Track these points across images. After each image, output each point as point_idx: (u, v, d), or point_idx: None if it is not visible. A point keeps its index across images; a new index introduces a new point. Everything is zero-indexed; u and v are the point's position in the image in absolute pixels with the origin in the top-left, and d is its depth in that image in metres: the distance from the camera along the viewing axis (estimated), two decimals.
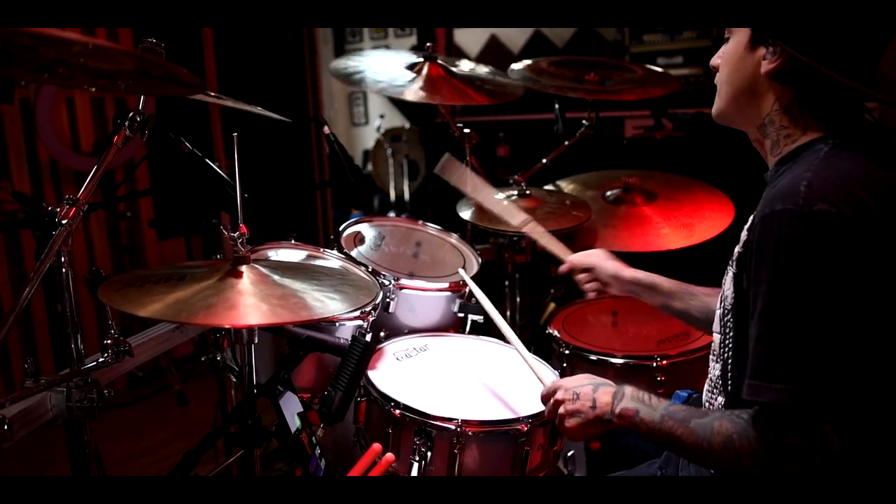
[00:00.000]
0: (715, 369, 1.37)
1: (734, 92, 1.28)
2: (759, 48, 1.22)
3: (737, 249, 1.29)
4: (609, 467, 1.75)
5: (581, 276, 1.83)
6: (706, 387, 1.42)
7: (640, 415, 1.26)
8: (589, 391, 1.35)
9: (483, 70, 2.60)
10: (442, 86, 2.33)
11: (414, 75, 2.33)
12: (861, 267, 1.06)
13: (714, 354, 1.37)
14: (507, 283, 2.74)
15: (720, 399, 1.34)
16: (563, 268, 1.83)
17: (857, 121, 1.23)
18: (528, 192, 2.44)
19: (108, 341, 1.45)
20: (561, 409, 1.38)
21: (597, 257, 1.81)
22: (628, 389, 1.32)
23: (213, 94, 1.74)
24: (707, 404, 1.39)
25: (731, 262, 1.31)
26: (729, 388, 1.30)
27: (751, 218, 1.21)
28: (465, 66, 2.57)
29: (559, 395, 1.40)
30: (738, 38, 1.26)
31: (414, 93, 2.25)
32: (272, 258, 1.91)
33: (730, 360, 1.29)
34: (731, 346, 1.29)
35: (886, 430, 1.17)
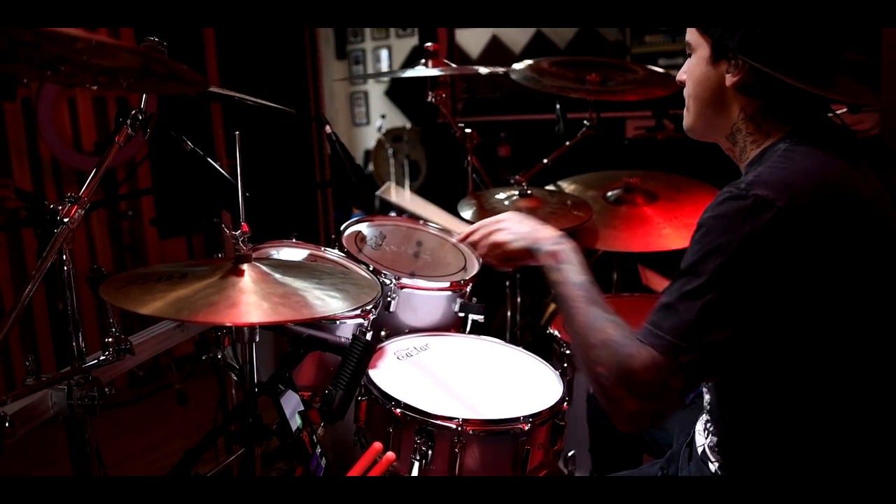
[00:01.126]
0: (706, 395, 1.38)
1: (702, 105, 1.31)
2: (722, 62, 1.24)
3: None
4: (612, 467, 1.75)
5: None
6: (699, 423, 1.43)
7: (562, 268, 1.31)
8: (538, 224, 1.44)
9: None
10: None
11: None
12: (778, 254, 1.08)
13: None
14: (507, 283, 2.74)
15: (713, 432, 1.35)
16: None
17: (820, 122, 1.26)
18: (529, 192, 2.44)
19: (109, 339, 1.45)
20: (500, 226, 1.48)
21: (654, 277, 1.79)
22: (573, 244, 1.36)
23: (219, 89, 1.74)
24: (703, 430, 1.40)
25: None
26: (721, 418, 1.32)
27: None
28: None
29: (508, 214, 1.49)
30: (699, 52, 1.28)
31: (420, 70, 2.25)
32: (273, 257, 1.91)
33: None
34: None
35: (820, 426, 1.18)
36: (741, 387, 1.23)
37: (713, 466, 1.34)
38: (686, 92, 1.34)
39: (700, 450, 1.39)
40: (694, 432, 1.45)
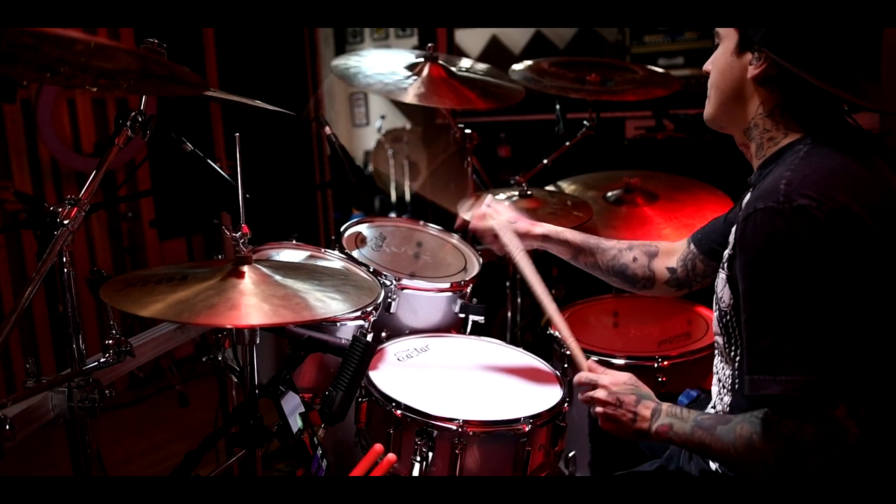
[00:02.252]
0: (724, 370, 1.37)
1: (722, 96, 1.32)
2: (746, 54, 1.25)
3: (726, 252, 1.31)
4: (612, 466, 1.75)
5: (485, 237, 1.80)
6: (714, 388, 1.42)
7: (673, 429, 1.29)
8: (632, 402, 1.36)
9: (482, 67, 2.59)
10: (442, 88, 2.33)
11: (414, 77, 2.33)
12: (843, 255, 1.08)
13: (721, 356, 1.38)
14: (507, 283, 2.74)
15: (727, 399, 1.35)
16: (458, 223, 1.78)
17: (837, 123, 1.26)
18: (529, 192, 2.44)
19: (110, 341, 1.45)
20: (599, 409, 1.40)
21: (501, 216, 1.77)
22: (664, 406, 1.34)
23: (219, 92, 1.74)
24: (715, 403, 1.40)
25: (721, 265, 1.32)
26: (737, 387, 1.31)
27: (736, 222, 1.23)
28: (465, 63, 2.56)
29: (600, 395, 1.40)
30: (726, 43, 1.29)
31: (414, 95, 2.25)
32: (273, 258, 1.91)
33: (737, 361, 1.30)
34: (737, 348, 1.30)
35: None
36: None
37: (714, 464, 1.34)
38: (710, 81, 1.35)
39: None
40: None
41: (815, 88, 1.17)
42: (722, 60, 1.30)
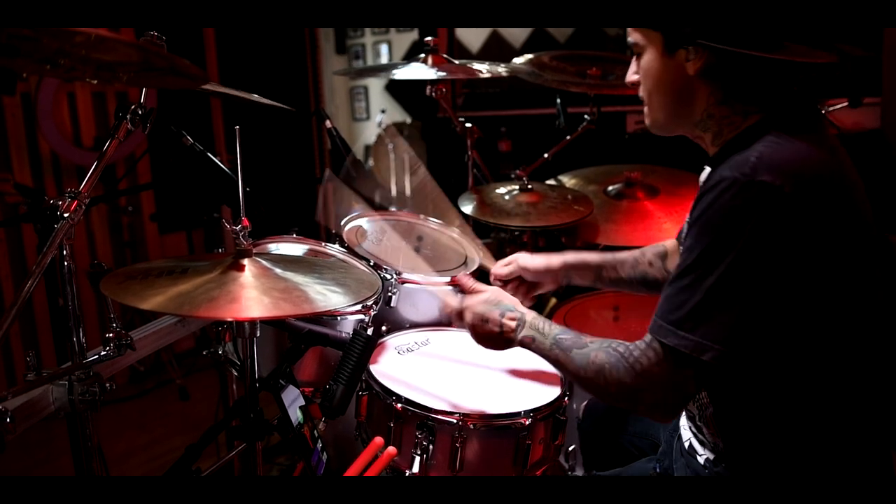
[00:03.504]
0: None
1: (666, 99, 1.30)
2: (678, 52, 1.24)
3: (686, 222, 1.32)
4: (604, 463, 1.76)
5: (511, 286, 1.84)
6: None
7: (535, 342, 1.41)
8: (496, 316, 1.48)
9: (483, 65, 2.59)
10: (447, 67, 2.32)
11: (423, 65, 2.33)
12: (794, 242, 1.09)
13: None
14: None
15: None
16: (493, 280, 1.85)
17: (791, 99, 1.25)
18: (529, 186, 2.44)
19: (110, 335, 1.45)
20: (471, 332, 1.54)
21: (518, 263, 1.82)
22: (529, 318, 1.45)
23: (219, 86, 1.74)
24: None
25: (681, 239, 1.33)
26: None
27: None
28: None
29: (468, 319, 1.53)
30: (650, 50, 1.28)
31: (431, 73, 2.24)
32: (274, 252, 1.90)
33: None
34: None
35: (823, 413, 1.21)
36: (740, 379, 1.23)
37: (701, 459, 1.36)
38: (644, 91, 1.33)
39: (687, 444, 1.41)
40: (680, 428, 1.46)
41: (758, 65, 1.18)
42: (653, 66, 1.28)
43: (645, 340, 1.20)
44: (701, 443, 1.37)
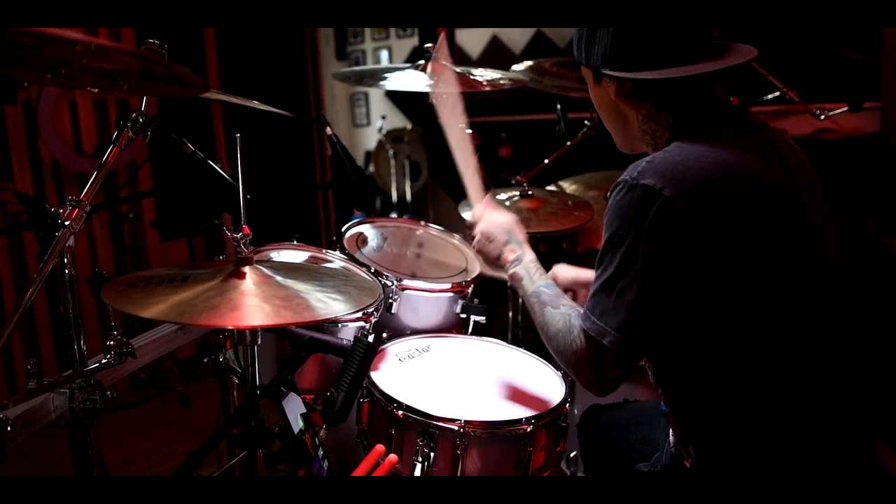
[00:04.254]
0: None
1: (613, 123, 1.44)
2: (602, 81, 1.37)
3: None
4: (604, 468, 1.75)
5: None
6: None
7: (522, 283, 1.51)
8: (501, 242, 1.60)
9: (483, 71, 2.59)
10: (447, 77, 2.32)
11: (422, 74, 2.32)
12: (677, 242, 1.17)
13: None
14: (509, 283, 2.74)
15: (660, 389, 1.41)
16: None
17: (709, 102, 1.33)
18: (530, 192, 2.44)
19: (111, 342, 1.45)
20: (475, 241, 1.66)
21: (553, 271, 1.82)
22: (527, 259, 1.55)
23: (219, 93, 1.74)
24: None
25: None
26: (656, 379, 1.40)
27: None
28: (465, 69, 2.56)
29: (479, 228, 1.64)
30: (588, 81, 1.43)
31: (423, 85, 2.24)
32: (275, 259, 1.90)
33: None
34: None
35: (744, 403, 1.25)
36: (676, 364, 1.31)
37: (686, 462, 1.37)
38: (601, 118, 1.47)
39: (674, 449, 1.44)
40: (669, 434, 1.47)
41: (660, 83, 1.29)
42: (594, 96, 1.43)
43: (578, 324, 1.31)
44: (683, 446, 1.38)
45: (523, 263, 1.54)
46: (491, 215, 1.64)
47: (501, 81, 2.39)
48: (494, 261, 1.61)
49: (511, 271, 1.55)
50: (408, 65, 2.42)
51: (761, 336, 1.21)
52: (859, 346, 1.33)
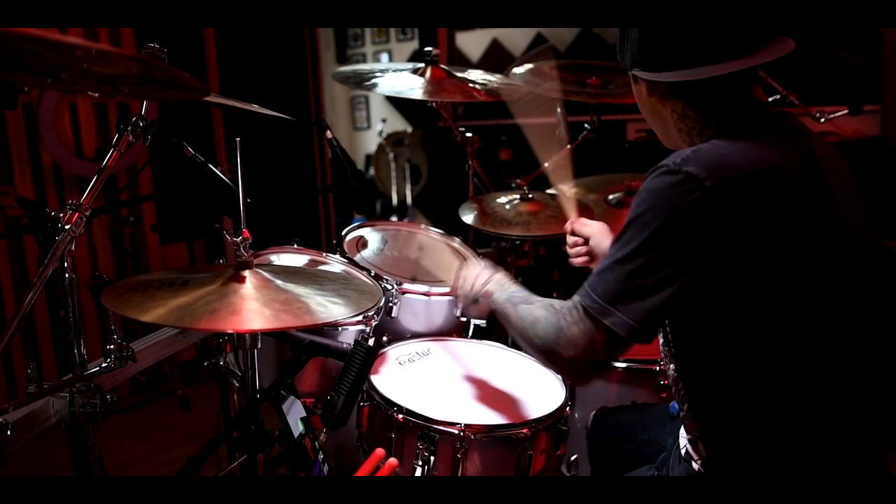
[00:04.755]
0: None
1: (651, 121, 1.42)
2: (638, 80, 1.36)
3: None
4: (610, 470, 1.75)
5: (574, 243, 1.86)
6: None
7: (494, 296, 1.49)
8: (472, 276, 1.59)
9: (484, 76, 2.59)
10: (446, 85, 2.33)
11: (420, 78, 2.33)
12: (712, 234, 1.14)
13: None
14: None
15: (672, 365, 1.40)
16: (566, 226, 1.88)
17: (744, 101, 1.31)
18: (530, 195, 2.44)
19: (111, 346, 1.45)
20: (452, 289, 1.68)
21: (596, 230, 1.83)
22: (497, 275, 1.54)
23: (220, 98, 1.74)
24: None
25: None
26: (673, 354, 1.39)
27: None
28: (466, 74, 2.56)
29: (457, 281, 1.65)
30: (631, 80, 1.41)
31: (421, 92, 2.25)
32: (275, 263, 1.90)
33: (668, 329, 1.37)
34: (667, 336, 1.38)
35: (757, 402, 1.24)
36: (700, 357, 1.29)
37: (696, 465, 1.36)
38: None
39: (683, 451, 1.42)
40: (679, 436, 1.47)
41: (690, 83, 1.26)
42: (635, 94, 1.41)
43: (573, 300, 1.26)
44: (694, 447, 1.37)
45: (493, 279, 1.53)
46: (468, 268, 1.64)
47: (500, 90, 2.39)
48: (471, 299, 1.58)
49: (483, 290, 1.53)
50: (410, 65, 2.42)
51: (785, 337, 1.20)
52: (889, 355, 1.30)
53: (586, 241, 1.82)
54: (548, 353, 1.28)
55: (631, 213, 1.20)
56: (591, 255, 1.82)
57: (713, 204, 1.13)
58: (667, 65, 1.27)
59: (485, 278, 1.55)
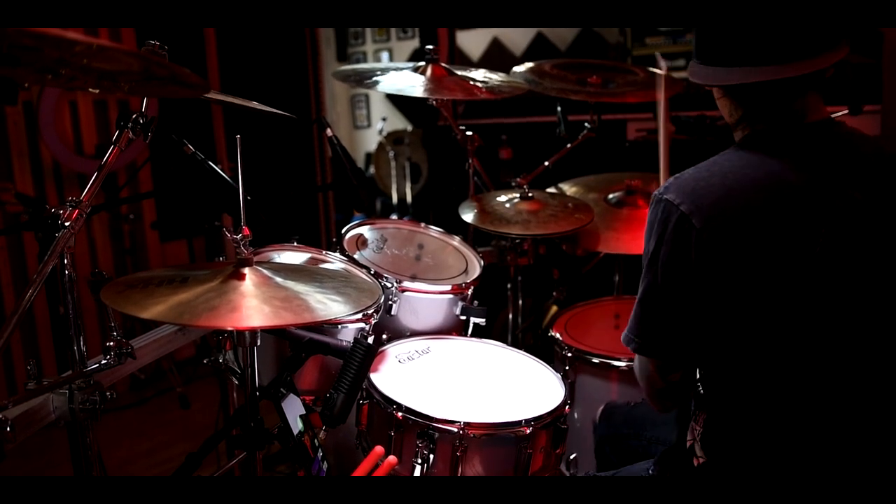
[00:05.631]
0: None
1: (719, 104, 1.41)
2: None
3: None
4: (614, 466, 1.75)
5: None
6: None
7: None
8: None
9: (485, 74, 2.59)
10: (447, 83, 2.32)
11: (420, 76, 2.33)
12: (686, 256, 1.21)
13: None
14: (509, 285, 2.74)
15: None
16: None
17: (782, 109, 1.29)
18: (530, 194, 2.44)
19: (111, 343, 1.45)
20: None
21: None
22: None
23: (220, 95, 1.74)
24: None
25: None
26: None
27: None
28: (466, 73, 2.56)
29: None
30: None
31: (422, 90, 2.24)
32: (275, 260, 1.90)
33: None
34: None
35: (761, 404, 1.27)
36: (718, 371, 1.32)
37: (697, 461, 1.36)
38: None
39: (689, 444, 1.42)
40: (686, 432, 1.47)
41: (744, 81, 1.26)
42: None
43: None
44: (699, 443, 1.37)
45: None
46: None
47: (501, 89, 2.39)
48: None
49: None
50: (411, 64, 2.42)
51: (772, 353, 1.23)
52: None
53: None
54: (640, 381, 1.40)
55: (644, 248, 1.31)
56: None
57: (689, 227, 1.20)
58: (708, 60, 1.31)
59: None
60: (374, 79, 2.30)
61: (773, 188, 1.21)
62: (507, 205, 2.43)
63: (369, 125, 7.47)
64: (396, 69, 2.38)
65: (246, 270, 1.32)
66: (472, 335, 2.07)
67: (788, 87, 1.26)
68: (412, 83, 2.27)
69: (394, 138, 6.62)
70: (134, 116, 1.43)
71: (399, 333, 1.97)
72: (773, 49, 1.22)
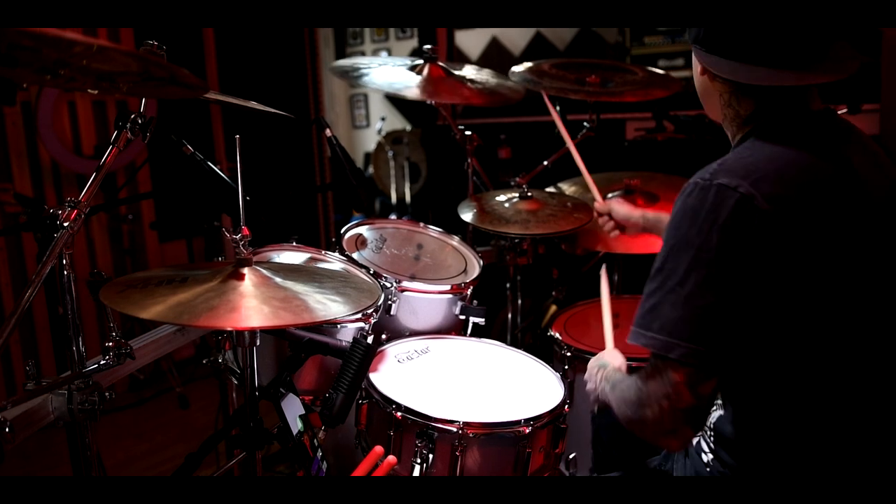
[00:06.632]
0: None
1: (701, 96, 1.40)
2: (696, 55, 1.33)
3: None
4: (613, 460, 1.75)
5: (603, 221, 2.03)
6: None
7: (601, 390, 1.41)
8: (594, 377, 1.48)
9: (483, 73, 2.59)
10: (443, 86, 2.33)
11: (416, 76, 2.33)
12: (753, 242, 1.11)
13: None
14: (508, 285, 2.74)
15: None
16: (595, 208, 2.07)
17: (795, 106, 1.27)
18: (529, 194, 2.44)
19: (110, 344, 1.45)
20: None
21: (614, 203, 2.01)
22: (608, 369, 1.44)
23: (219, 95, 1.74)
24: None
25: None
26: None
27: None
28: (466, 71, 2.56)
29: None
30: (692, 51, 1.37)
31: (417, 91, 2.25)
32: (274, 261, 1.90)
33: None
34: None
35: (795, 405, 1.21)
36: (746, 372, 1.24)
37: (706, 458, 1.35)
38: None
39: (694, 441, 1.41)
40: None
41: (744, 72, 1.23)
42: (693, 65, 1.38)
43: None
44: (707, 441, 1.37)
45: (605, 373, 1.43)
46: (595, 359, 1.56)
47: (500, 90, 2.39)
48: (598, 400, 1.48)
49: (600, 389, 1.44)
50: (409, 60, 2.42)
51: (832, 342, 1.18)
52: None
53: (610, 216, 1.99)
54: (638, 423, 1.20)
55: (669, 238, 1.18)
56: (619, 225, 2.00)
57: (752, 209, 1.11)
58: (723, 52, 1.24)
59: (602, 375, 1.45)
60: (367, 72, 2.30)
61: (818, 172, 1.18)
62: (507, 204, 2.43)
63: (368, 125, 7.47)
64: (398, 63, 2.38)
65: (245, 270, 1.32)
66: (471, 335, 2.07)
67: (801, 89, 1.26)
68: (408, 82, 2.26)
69: (393, 138, 6.61)
70: (133, 117, 1.43)
71: (398, 333, 1.97)
72: (812, 53, 1.22)
